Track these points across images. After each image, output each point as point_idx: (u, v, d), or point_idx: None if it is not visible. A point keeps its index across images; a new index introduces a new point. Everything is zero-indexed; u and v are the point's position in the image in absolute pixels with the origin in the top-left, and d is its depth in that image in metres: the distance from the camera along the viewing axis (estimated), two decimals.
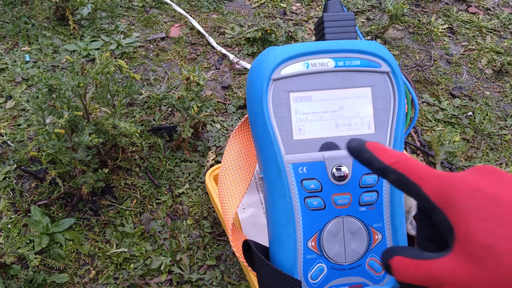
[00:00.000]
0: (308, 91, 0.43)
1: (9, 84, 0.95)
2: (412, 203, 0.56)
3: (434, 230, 0.30)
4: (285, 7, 1.27)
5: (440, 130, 0.94)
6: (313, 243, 0.42)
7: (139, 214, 0.75)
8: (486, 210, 0.26)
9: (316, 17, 1.24)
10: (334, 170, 0.43)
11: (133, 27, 1.14)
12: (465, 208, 0.26)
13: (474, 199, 0.26)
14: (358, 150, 0.33)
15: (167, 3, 1.23)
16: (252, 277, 0.55)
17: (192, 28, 1.16)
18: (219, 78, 1.02)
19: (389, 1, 1.13)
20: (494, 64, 1.11)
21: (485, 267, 0.25)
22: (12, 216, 0.69)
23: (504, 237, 0.25)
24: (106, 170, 0.70)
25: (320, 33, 0.48)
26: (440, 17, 1.27)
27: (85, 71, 0.65)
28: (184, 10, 1.20)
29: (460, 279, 0.25)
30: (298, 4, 1.29)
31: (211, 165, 0.80)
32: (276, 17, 1.23)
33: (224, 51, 1.07)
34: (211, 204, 0.76)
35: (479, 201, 0.26)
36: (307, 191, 0.42)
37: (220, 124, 0.91)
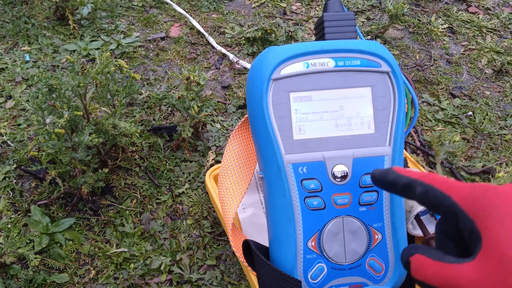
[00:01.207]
0: (308, 91, 0.43)
1: (9, 84, 0.95)
2: (413, 203, 0.55)
3: (458, 236, 0.29)
4: (285, 7, 1.27)
5: (440, 130, 0.94)
6: (313, 243, 0.42)
7: (139, 214, 0.75)
8: None
9: (316, 17, 1.24)
10: (334, 170, 0.43)
11: (133, 26, 1.14)
12: (497, 218, 0.25)
13: (509, 208, 0.25)
14: (384, 174, 0.34)
15: (167, 3, 1.23)
16: (252, 277, 0.55)
17: (192, 28, 1.16)
18: (219, 78, 1.02)
19: (389, 1, 1.13)
20: (494, 64, 1.11)
21: (508, 280, 0.23)
22: (12, 216, 0.69)
23: None
24: (106, 170, 0.70)
25: (320, 33, 0.48)
26: (440, 17, 1.27)
27: (85, 71, 0.65)
28: (184, 10, 1.20)
29: None
30: (298, 4, 1.29)
31: (211, 165, 0.80)
32: (276, 17, 1.23)
33: (224, 51, 1.07)
34: (211, 204, 0.76)
35: None
36: (307, 191, 0.42)
37: (220, 124, 0.91)
